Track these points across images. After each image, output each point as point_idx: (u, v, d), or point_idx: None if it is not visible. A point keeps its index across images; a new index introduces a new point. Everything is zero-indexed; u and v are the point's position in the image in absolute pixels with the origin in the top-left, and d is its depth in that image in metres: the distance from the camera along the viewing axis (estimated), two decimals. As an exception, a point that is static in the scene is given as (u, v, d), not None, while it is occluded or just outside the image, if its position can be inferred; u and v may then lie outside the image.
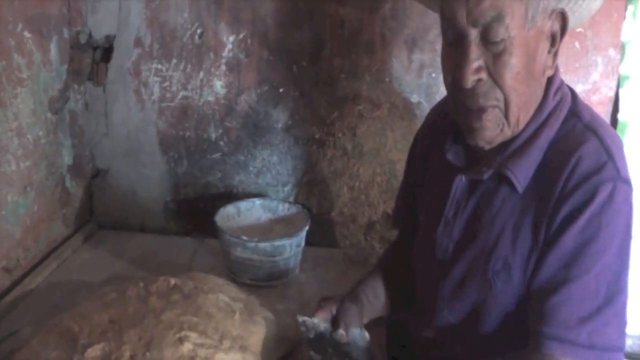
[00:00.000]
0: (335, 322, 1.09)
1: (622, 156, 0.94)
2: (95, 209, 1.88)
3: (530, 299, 0.94)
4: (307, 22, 1.67)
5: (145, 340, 1.07)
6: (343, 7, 1.64)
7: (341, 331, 1.07)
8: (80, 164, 1.79)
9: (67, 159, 1.72)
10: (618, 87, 1.60)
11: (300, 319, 1.11)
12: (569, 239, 0.90)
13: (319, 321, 1.11)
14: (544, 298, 0.91)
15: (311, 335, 1.10)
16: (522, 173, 0.96)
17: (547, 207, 0.93)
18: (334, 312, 1.11)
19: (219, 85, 1.74)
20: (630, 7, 1.53)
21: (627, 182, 0.92)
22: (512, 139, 0.98)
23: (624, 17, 1.54)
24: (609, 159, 0.91)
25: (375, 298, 1.19)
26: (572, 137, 0.95)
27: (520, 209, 0.97)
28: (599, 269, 0.89)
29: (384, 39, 1.65)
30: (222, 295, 1.23)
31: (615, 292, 0.90)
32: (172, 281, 1.24)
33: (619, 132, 1.59)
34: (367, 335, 1.14)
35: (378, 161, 1.73)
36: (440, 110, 1.19)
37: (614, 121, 1.60)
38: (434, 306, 1.10)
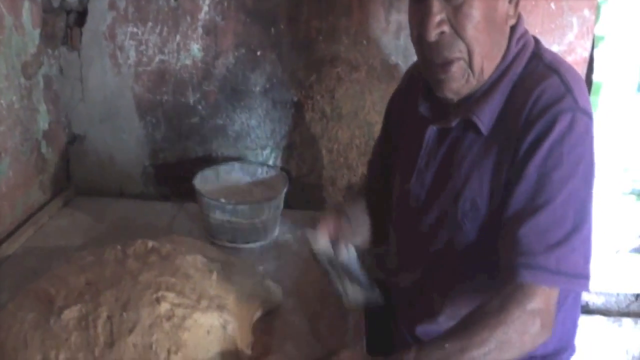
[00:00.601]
0: (334, 243, 1.14)
1: (581, 90, 0.97)
2: (73, 175, 1.86)
3: (502, 231, 0.97)
4: (284, -17, 1.65)
5: (122, 301, 1.08)
6: (320, -32, 1.62)
7: (345, 252, 1.12)
8: (56, 129, 1.77)
9: (42, 124, 1.70)
10: (593, 47, 1.60)
11: (313, 249, 1.13)
12: (533, 169, 0.93)
13: (324, 249, 1.13)
14: (514, 229, 0.94)
15: (326, 262, 1.13)
16: (486, 116, 1.00)
17: (511, 143, 0.96)
18: (332, 230, 1.15)
19: (196, 48, 1.72)
20: (607, -33, 1.53)
21: (586, 113, 0.95)
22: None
23: (600, -22, 1.54)
24: (568, 92, 0.94)
25: (363, 223, 1.25)
26: (534, 76, 0.99)
27: (486, 150, 1.00)
28: (565, 196, 0.92)
29: (361, 1, 1.63)
30: (200, 256, 1.24)
31: (581, 220, 0.93)
32: (150, 244, 1.25)
33: (593, 92, 1.61)
34: (352, 250, 1.16)
35: (356, 124, 1.73)
36: (414, 70, 1.24)
37: (589, 82, 1.61)
38: (411, 254, 1.15)
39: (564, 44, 1.61)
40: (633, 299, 1.88)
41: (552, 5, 1.57)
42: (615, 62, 1.60)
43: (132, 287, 1.11)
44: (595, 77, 1.61)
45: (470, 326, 0.92)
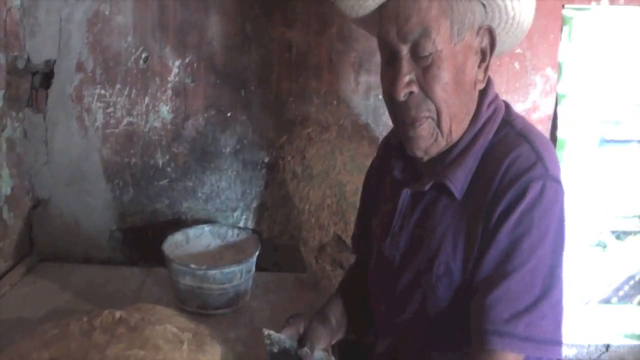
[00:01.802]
0: (301, 341, 1.10)
1: (552, 158, 0.98)
2: (36, 241, 1.80)
3: (472, 297, 0.97)
4: (254, 45, 1.66)
5: (88, 377, 1.03)
6: (290, 30, 1.65)
7: (306, 349, 1.08)
8: (18, 194, 1.72)
9: (4, 189, 1.65)
10: (556, 105, 1.65)
11: (266, 332, 1.10)
12: (504, 237, 0.94)
13: (285, 337, 1.11)
14: (483, 295, 0.94)
15: (275, 350, 1.10)
16: (459, 181, 1.00)
17: (483, 211, 0.97)
18: (302, 330, 1.12)
19: (165, 110, 1.72)
20: (566, 28, 1.60)
21: (556, 180, 0.96)
22: (449, 150, 1.03)
23: (560, 38, 1.61)
24: (539, 160, 0.96)
25: (342, 321, 1.21)
26: (505, 144, 1.00)
27: (459, 215, 1.01)
28: (533, 264, 0.92)
29: (331, 62, 1.66)
30: (169, 326, 1.20)
31: (550, 286, 0.93)
32: (118, 314, 1.20)
33: (558, 148, 1.65)
34: (325, 356, 1.13)
35: (328, 183, 1.73)
36: (389, 139, 1.24)
37: (553, 139, 1.66)
38: (386, 318, 1.13)
39: (529, 101, 1.66)
40: (604, 349, 1.89)
41: (516, 64, 1.63)
42: (578, 118, 1.65)
43: (99, 362, 1.06)
44: (559, 134, 1.65)
45: None
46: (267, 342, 1.10)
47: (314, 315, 1.17)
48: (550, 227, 0.94)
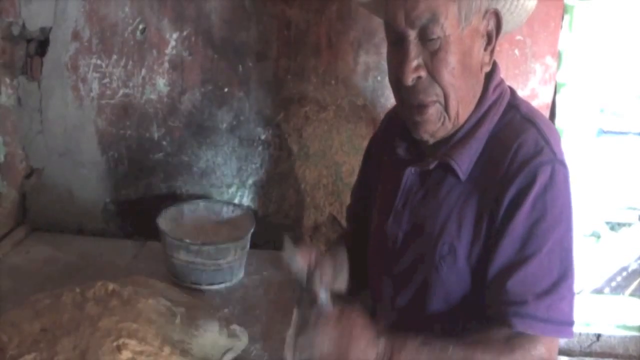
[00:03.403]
0: (310, 277, 1.05)
1: (558, 142, 1.00)
2: (29, 210, 1.79)
3: (490, 285, 0.98)
4: (253, 21, 1.65)
5: (80, 348, 1.04)
6: (290, 7, 1.63)
7: (323, 298, 1.03)
8: (12, 162, 1.71)
9: (-2, 157, 1.65)
10: (555, 93, 1.65)
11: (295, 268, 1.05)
12: (518, 223, 0.95)
13: (298, 266, 1.05)
14: (503, 280, 0.95)
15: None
16: (464, 162, 1.01)
17: (491, 195, 0.98)
18: (313, 262, 1.07)
19: (161, 83, 1.70)
20: (567, 17, 1.59)
21: (564, 164, 0.98)
22: (455, 132, 1.04)
23: (561, 27, 1.60)
24: (546, 145, 0.97)
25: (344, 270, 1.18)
26: (511, 128, 1.01)
27: (464, 197, 1.02)
28: (550, 246, 0.94)
29: (330, 41, 1.65)
30: (163, 299, 1.21)
31: (566, 268, 0.95)
32: (111, 286, 1.21)
33: (555, 138, 1.65)
34: (327, 295, 1.05)
35: (324, 163, 1.73)
36: (393, 113, 1.25)
37: (551, 127, 1.66)
38: (386, 295, 1.13)
39: (528, 89, 1.65)
40: (595, 339, 1.91)
41: (516, 51, 1.62)
42: (576, 108, 1.65)
43: (91, 334, 1.07)
44: (557, 123, 1.65)
45: (476, 344, 0.93)
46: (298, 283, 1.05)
47: (328, 253, 1.14)
48: (562, 210, 0.95)
